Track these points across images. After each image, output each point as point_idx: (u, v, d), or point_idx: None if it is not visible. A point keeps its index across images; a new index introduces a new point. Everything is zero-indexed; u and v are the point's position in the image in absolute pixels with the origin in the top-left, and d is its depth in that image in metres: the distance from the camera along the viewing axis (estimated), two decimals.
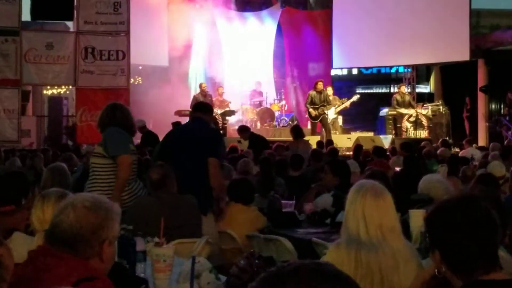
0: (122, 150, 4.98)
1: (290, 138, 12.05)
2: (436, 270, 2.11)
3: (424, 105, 17.25)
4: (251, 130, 12.73)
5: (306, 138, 14.74)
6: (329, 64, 19.18)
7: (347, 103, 16.03)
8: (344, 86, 21.67)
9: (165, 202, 4.43)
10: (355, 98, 16.07)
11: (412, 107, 16.18)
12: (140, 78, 17.09)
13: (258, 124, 16.37)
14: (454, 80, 18.98)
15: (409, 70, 19.08)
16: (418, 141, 13.77)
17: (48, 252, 2.17)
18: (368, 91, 24.30)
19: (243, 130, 12.18)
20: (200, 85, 15.69)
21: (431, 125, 16.12)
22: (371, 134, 16.80)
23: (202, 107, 5.96)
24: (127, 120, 5.19)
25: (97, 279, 2.11)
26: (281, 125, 16.59)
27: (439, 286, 2.16)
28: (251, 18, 18.68)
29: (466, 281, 1.98)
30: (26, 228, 3.34)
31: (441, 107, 16.74)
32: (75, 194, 2.46)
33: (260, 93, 17.17)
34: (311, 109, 15.07)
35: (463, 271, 2.00)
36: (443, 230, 2.04)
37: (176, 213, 4.34)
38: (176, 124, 10.75)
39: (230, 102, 16.03)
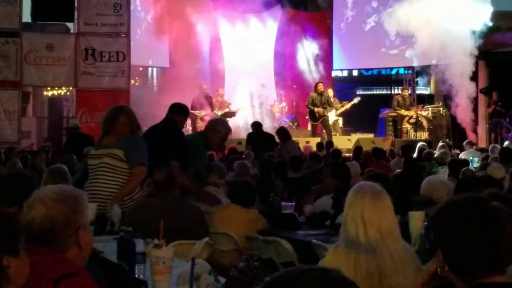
0: (145, 161, 4.99)
1: None
2: (438, 269, 2.09)
3: (424, 106, 17.23)
4: (252, 130, 12.56)
5: (307, 139, 14.78)
6: (329, 66, 19.18)
7: (348, 105, 16.04)
8: (344, 87, 21.61)
9: (167, 204, 4.42)
10: (355, 100, 16.08)
11: (412, 108, 16.20)
12: (140, 79, 17.07)
13: None
14: None
15: (410, 71, 19.06)
16: (417, 142, 13.76)
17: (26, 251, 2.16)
18: (369, 92, 24.24)
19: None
20: (200, 86, 15.67)
21: (431, 127, 16.11)
22: (371, 135, 16.78)
23: (179, 108, 5.97)
24: (136, 124, 5.19)
25: (77, 276, 2.10)
26: None
27: (441, 286, 2.15)
28: (252, 19, 18.66)
29: (468, 283, 1.96)
30: None
31: (441, 108, 16.73)
32: (40, 189, 2.41)
33: (261, 95, 17.15)
34: (316, 108, 15.03)
35: (465, 273, 1.98)
36: (447, 231, 2.01)
37: (178, 215, 4.33)
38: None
39: (230, 104, 16.02)
